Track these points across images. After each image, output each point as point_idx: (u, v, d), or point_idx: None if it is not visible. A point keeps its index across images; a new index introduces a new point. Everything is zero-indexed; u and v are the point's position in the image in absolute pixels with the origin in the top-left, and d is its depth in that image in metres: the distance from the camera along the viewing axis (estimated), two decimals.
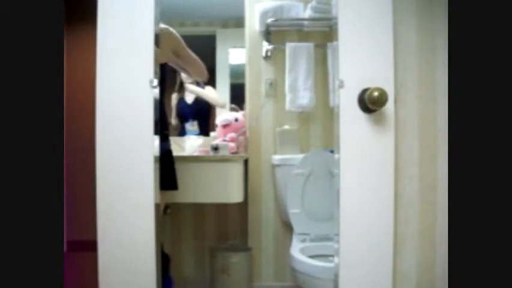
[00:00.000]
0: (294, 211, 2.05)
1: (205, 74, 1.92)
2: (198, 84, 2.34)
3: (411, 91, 1.28)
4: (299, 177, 2.06)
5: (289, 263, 1.83)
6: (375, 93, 1.16)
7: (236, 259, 2.07)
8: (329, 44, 2.13)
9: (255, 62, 2.23)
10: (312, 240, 1.96)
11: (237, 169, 1.84)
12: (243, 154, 2.06)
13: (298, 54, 2.14)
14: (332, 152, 1.57)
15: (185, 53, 1.77)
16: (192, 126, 2.32)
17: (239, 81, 2.30)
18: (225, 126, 2.10)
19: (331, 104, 2.13)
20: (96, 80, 1.26)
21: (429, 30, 1.28)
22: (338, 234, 1.25)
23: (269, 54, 2.21)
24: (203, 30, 2.38)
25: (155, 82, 1.27)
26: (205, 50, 2.28)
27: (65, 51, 2.92)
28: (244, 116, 2.18)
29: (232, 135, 2.06)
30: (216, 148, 1.89)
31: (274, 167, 2.17)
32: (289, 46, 2.15)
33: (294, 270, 1.75)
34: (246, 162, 2.13)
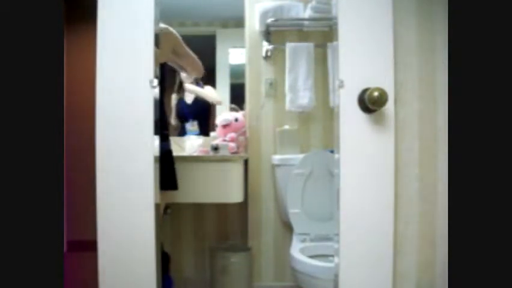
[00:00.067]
0: (294, 211, 2.05)
1: (201, 71, 1.93)
2: (197, 84, 2.34)
3: (411, 91, 1.28)
4: (299, 177, 2.06)
5: (289, 263, 1.83)
6: (375, 93, 1.16)
7: (236, 259, 2.07)
8: (329, 44, 2.13)
9: (255, 62, 2.23)
10: (312, 240, 1.96)
11: (237, 169, 1.84)
12: (243, 154, 2.06)
13: (298, 54, 2.14)
14: (332, 152, 1.57)
15: (184, 52, 1.78)
16: (192, 126, 2.32)
17: (239, 81, 2.30)
18: (225, 126, 2.10)
19: (331, 104, 2.13)
20: (96, 80, 1.26)
21: (429, 29, 1.28)
22: (338, 234, 1.25)
23: (269, 54, 2.21)
24: (203, 30, 2.38)
25: (155, 82, 1.27)
26: (205, 50, 2.28)
27: (65, 51, 2.92)
28: (244, 116, 2.18)
29: (232, 135, 2.06)
30: (216, 148, 1.89)
31: (274, 167, 2.17)
32: (289, 46, 2.15)
33: (294, 270, 1.75)
34: (246, 162, 2.13)
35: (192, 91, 2.35)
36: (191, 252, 2.31)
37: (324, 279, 1.52)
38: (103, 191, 1.26)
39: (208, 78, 2.28)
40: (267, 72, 2.23)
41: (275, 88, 2.22)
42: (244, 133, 2.14)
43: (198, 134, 2.27)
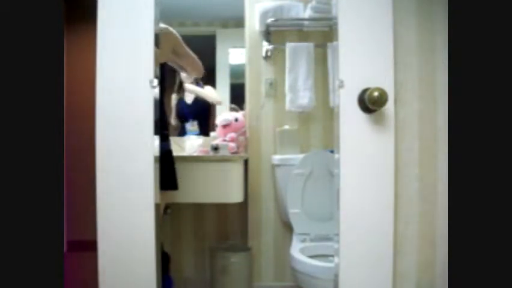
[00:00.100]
0: (294, 211, 2.05)
1: (201, 71, 1.93)
2: (197, 84, 2.34)
3: (411, 91, 1.28)
4: (299, 177, 2.06)
5: (289, 263, 1.83)
6: (375, 93, 1.16)
7: (236, 259, 2.07)
8: (329, 44, 2.13)
9: (255, 62, 2.23)
10: (312, 240, 1.96)
11: (237, 169, 1.84)
12: (243, 154, 2.06)
13: (298, 54, 2.14)
14: (332, 152, 1.57)
15: (184, 52, 1.78)
16: (192, 126, 2.32)
17: (239, 81, 2.30)
18: (225, 126, 2.10)
19: (331, 104, 2.13)
20: (96, 80, 1.26)
21: (429, 29, 1.28)
22: (338, 234, 1.25)
23: (269, 54, 2.21)
24: (203, 30, 2.38)
25: (155, 82, 1.27)
26: (205, 50, 2.28)
27: (65, 51, 2.92)
28: (244, 116, 2.18)
29: (232, 135, 2.06)
30: (216, 148, 1.89)
31: (274, 167, 2.17)
32: (289, 46, 2.15)
33: (294, 270, 1.75)
34: (246, 162, 2.13)
35: (191, 91, 2.35)
36: (191, 252, 2.31)
37: (324, 279, 1.52)
38: (103, 191, 1.26)
39: (208, 78, 2.28)
40: (267, 72, 2.23)
41: (275, 88, 2.22)
42: (244, 133, 2.14)
43: (198, 134, 2.27)
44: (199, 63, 1.89)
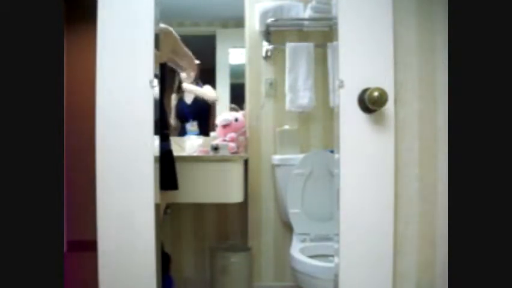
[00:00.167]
0: (294, 211, 2.05)
1: (195, 68, 1.98)
2: (197, 84, 2.34)
3: (411, 91, 1.28)
4: (299, 177, 2.06)
5: (289, 263, 1.83)
6: (375, 93, 1.16)
7: (236, 259, 2.07)
8: (329, 44, 2.13)
9: (255, 62, 2.23)
10: (312, 240, 1.96)
11: (237, 169, 1.84)
12: (243, 154, 2.06)
13: (298, 54, 2.14)
14: (332, 152, 1.57)
15: (183, 52, 1.80)
16: (192, 126, 2.32)
17: (239, 81, 2.30)
18: (225, 126, 2.10)
19: (331, 104, 2.13)
20: (96, 80, 1.26)
21: (429, 29, 1.28)
22: (338, 234, 1.25)
23: (269, 54, 2.21)
24: (203, 30, 2.38)
25: (155, 82, 1.27)
26: (205, 50, 2.29)
27: (65, 51, 2.92)
28: (244, 116, 2.18)
29: (232, 135, 2.06)
30: (216, 148, 1.89)
31: (274, 167, 2.17)
32: (289, 46, 2.15)
33: (294, 270, 1.75)
34: (246, 162, 2.13)
35: (189, 90, 2.35)
36: (191, 252, 2.31)
37: (324, 279, 1.52)
38: (103, 191, 1.26)
39: (208, 78, 2.28)
40: (267, 72, 2.23)
41: (275, 88, 2.22)
42: (244, 133, 2.14)
43: (197, 134, 2.27)
44: (193, 58, 1.93)
